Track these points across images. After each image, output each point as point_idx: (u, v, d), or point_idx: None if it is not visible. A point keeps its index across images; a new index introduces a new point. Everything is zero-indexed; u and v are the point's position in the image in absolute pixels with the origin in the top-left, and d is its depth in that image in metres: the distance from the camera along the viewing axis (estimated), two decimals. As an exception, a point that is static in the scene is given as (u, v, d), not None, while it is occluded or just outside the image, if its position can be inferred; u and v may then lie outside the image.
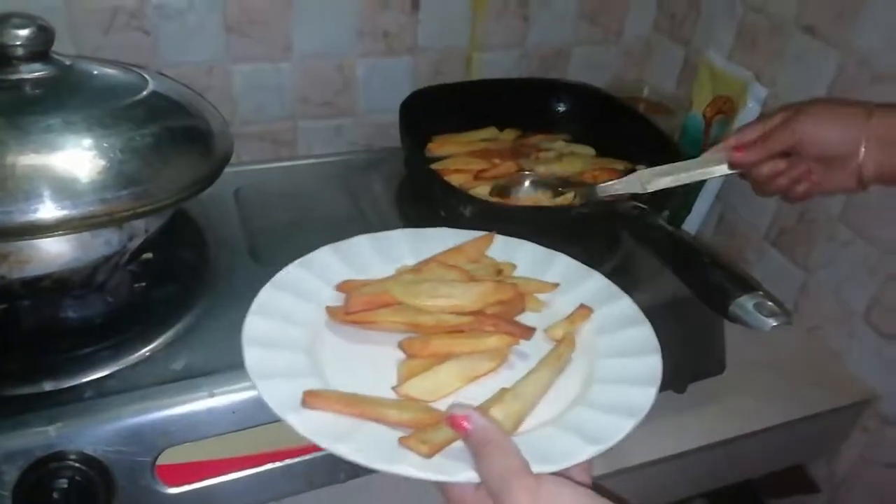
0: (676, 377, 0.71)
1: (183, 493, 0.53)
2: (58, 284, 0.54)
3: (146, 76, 0.59)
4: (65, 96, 0.52)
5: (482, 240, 0.58)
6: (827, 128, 0.58)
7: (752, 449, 0.72)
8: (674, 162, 0.66)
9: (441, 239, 0.58)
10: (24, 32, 0.52)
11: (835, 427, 0.78)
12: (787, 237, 0.85)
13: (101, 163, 0.49)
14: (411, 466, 0.38)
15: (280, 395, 0.42)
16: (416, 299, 0.49)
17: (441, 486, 0.41)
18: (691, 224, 0.90)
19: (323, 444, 0.40)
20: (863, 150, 0.57)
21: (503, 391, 0.44)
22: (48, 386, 0.51)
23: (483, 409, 0.42)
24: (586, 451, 0.40)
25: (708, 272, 0.51)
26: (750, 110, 0.82)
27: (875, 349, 0.76)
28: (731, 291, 0.48)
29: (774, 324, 0.45)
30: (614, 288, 0.55)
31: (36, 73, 0.53)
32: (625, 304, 0.53)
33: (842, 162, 0.58)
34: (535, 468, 0.38)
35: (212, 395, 0.52)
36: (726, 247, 0.93)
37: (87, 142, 0.50)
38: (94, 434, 0.49)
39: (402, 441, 0.40)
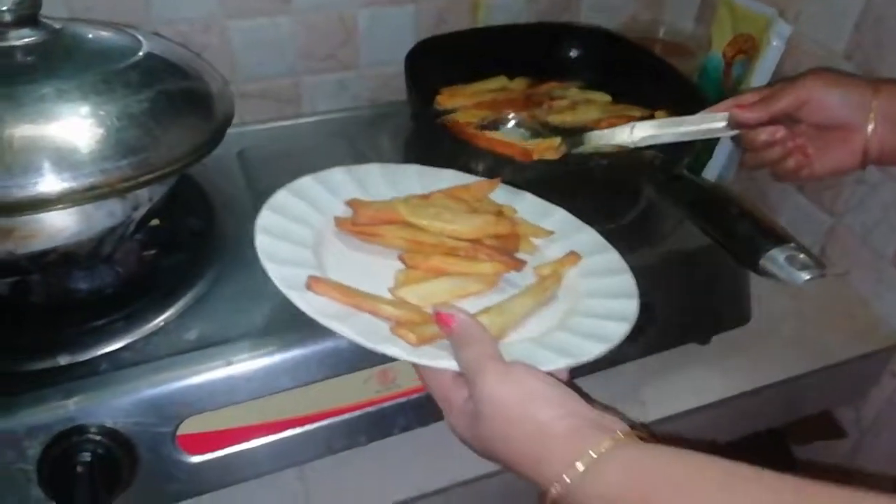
0: (699, 329, 0.69)
1: (205, 461, 0.53)
2: (65, 258, 0.53)
3: (140, 37, 0.56)
4: (57, 62, 0.50)
5: (488, 182, 0.61)
6: (836, 93, 0.56)
7: (779, 398, 0.71)
8: (694, 106, 0.63)
9: (449, 178, 0.61)
10: (9, -4, 0.50)
11: (863, 373, 0.77)
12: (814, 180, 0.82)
13: (99, 132, 0.47)
14: (400, 349, 0.43)
15: (287, 277, 0.46)
16: (420, 219, 0.53)
17: (424, 379, 0.46)
18: (713, 168, 0.87)
19: (322, 321, 0.44)
20: (871, 125, 0.54)
21: (489, 307, 0.48)
22: (63, 360, 0.50)
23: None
24: (560, 362, 0.44)
25: (736, 224, 0.49)
26: (773, 49, 0.78)
27: (905, 293, 0.74)
28: (761, 244, 0.46)
29: (807, 277, 0.44)
30: (604, 242, 0.57)
31: (26, 39, 0.51)
32: (612, 257, 0.56)
33: (844, 135, 0.56)
34: None
35: (229, 364, 0.51)
36: (749, 191, 0.90)
37: (84, 110, 0.47)
38: (113, 406, 0.48)
39: (393, 329, 0.44)
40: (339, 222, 0.54)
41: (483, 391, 0.41)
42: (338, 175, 0.59)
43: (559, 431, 0.39)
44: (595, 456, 0.37)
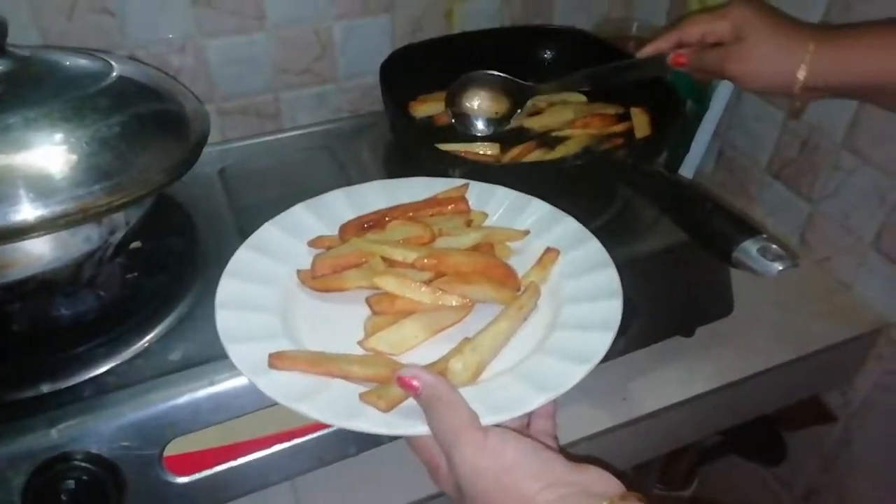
0: (684, 321, 0.70)
1: (194, 481, 0.53)
2: (44, 285, 0.53)
3: (111, 62, 0.56)
4: (25, 91, 0.50)
5: (456, 189, 0.59)
6: (763, 66, 0.56)
7: (766, 386, 0.72)
8: (668, 101, 0.64)
9: (415, 189, 0.60)
10: (-25, 28, 0.50)
11: (848, 357, 0.77)
12: (790, 168, 0.82)
13: (71, 158, 0.48)
14: (369, 423, 0.41)
15: (249, 358, 0.45)
16: (380, 254, 0.51)
17: (407, 441, 0.45)
18: (690, 162, 0.87)
19: (286, 404, 0.42)
20: (802, 73, 0.54)
21: (464, 342, 0.46)
22: (46, 388, 0.50)
23: (444, 360, 0.45)
24: (537, 400, 0.42)
25: (709, 218, 0.49)
26: (744, 40, 0.79)
27: (886, 276, 0.74)
28: (734, 237, 0.46)
29: (780, 268, 0.44)
30: (584, 232, 0.56)
31: (-8, 69, 0.51)
32: (593, 248, 0.54)
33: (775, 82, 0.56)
34: (487, 419, 0.40)
35: (212, 384, 0.51)
36: (727, 183, 0.91)
37: (54, 137, 0.48)
38: (98, 432, 0.48)
39: (362, 397, 0.42)
40: (302, 277, 0.52)
41: (461, 467, 0.39)
42: (299, 214, 0.57)
43: None
44: None
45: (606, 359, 0.64)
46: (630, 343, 0.66)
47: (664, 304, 0.66)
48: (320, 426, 0.56)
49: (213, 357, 0.52)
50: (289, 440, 0.55)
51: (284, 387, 0.43)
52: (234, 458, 0.54)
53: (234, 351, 0.45)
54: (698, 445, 1.00)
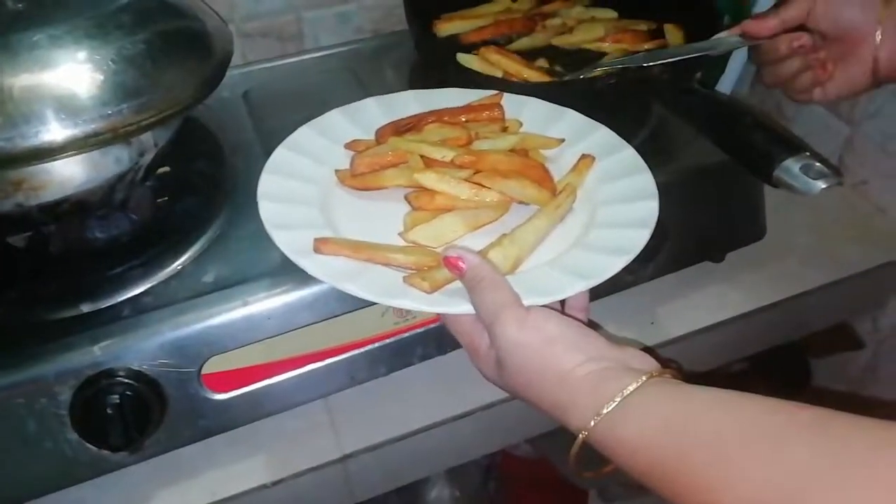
0: (714, 247, 0.69)
1: (231, 398, 0.54)
2: (77, 207, 0.53)
3: (131, -23, 0.55)
4: (48, 8, 0.49)
5: (489, 97, 0.59)
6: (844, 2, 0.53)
7: (796, 312, 0.71)
8: (704, 17, 0.61)
9: (448, 99, 0.59)
10: (-6, -57, 0.49)
11: (881, 283, 0.76)
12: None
13: (97, 76, 0.47)
14: (413, 300, 0.42)
15: (293, 243, 0.46)
16: (417, 153, 0.51)
17: (446, 324, 0.46)
18: (726, 83, 0.84)
19: (333, 283, 0.43)
20: (878, 35, 0.51)
21: (502, 237, 0.47)
22: (86, 308, 0.51)
23: (482, 252, 0.45)
24: (575, 286, 0.43)
25: (750, 135, 0.47)
26: (789, -51, 0.74)
27: (925, 201, 0.73)
28: (776, 154, 0.45)
29: (823, 186, 0.43)
30: (618, 139, 0.55)
31: (15, -14, 0.50)
32: (628, 154, 0.54)
33: (855, 47, 0.53)
34: (527, 300, 0.41)
35: (246, 304, 0.52)
36: (764, 104, 0.88)
37: (79, 55, 0.47)
38: (138, 350, 0.50)
39: (406, 279, 0.44)
40: (341, 176, 0.53)
41: (502, 341, 0.40)
42: (334, 118, 0.58)
43: (583, 377, 0.38)
44: (620, 400, 0.36)
45: (635, 283, 0.65)
46: (659, 268, 0.65)
47: (695, 227, 0.65)
48: (351, 346, 0.57)
49: (246, 278, 0.53)
50: (322, 360, 0.56)
51: (330, 269, 0.44)
52: (270, 377, 0.55)
53: (278, 236, 0.46)
54: (722, 371, 1.00)
